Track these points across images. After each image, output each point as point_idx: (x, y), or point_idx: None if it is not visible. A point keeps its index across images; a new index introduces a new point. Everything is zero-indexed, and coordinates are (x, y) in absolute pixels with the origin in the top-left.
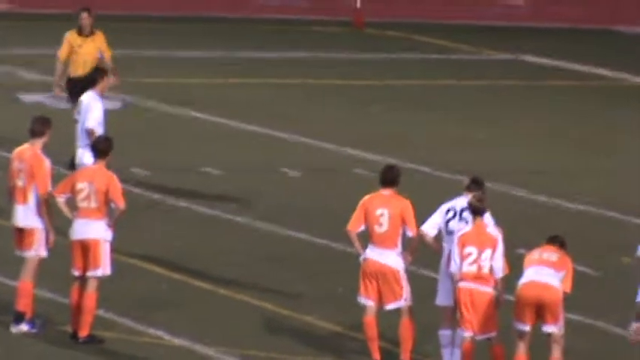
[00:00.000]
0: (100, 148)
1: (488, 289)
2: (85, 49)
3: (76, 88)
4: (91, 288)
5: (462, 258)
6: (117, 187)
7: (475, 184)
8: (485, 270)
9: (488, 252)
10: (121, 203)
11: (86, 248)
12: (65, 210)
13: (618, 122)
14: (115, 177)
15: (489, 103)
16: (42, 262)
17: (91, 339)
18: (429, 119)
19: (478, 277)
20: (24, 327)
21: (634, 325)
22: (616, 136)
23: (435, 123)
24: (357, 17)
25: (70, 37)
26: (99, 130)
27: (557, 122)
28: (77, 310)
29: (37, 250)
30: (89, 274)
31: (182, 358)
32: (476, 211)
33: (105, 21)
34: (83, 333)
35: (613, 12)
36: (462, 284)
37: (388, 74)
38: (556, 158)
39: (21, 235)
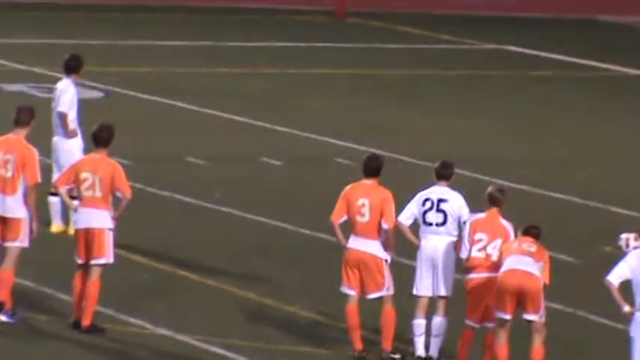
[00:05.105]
0: (103, 136)
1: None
2: None
3: None
4: (95, 276)
5: (472, 244)
6: (122, 176)
7: (444, 168)
8: (494, 258)
9: (498, 242)
10: (127, 192)
11: (90, 237)
12: (68, 200)
13: (602, 112)
14: (119, 166)
15: (473, 94)
16: (24, 252)
17: (94, 328)
18: (412, 109)
19: (490, 266)
20: (2, 317)
21: (626, 308)
22: (599, 125)
23: (418, 113)
24: (339, 7)
25: None
26: (71, 114)
27: (541, 112)
28: (79, 298)
29: (22, 240)
30: (93, 262)
31: (165, 347)
32: (493, 201)
33: (91, 11)
34: (86, 322)
35: (596, 1)
36: (472, 275)
37: (371, 64)
38: (539, 148)
39: (5, 225)
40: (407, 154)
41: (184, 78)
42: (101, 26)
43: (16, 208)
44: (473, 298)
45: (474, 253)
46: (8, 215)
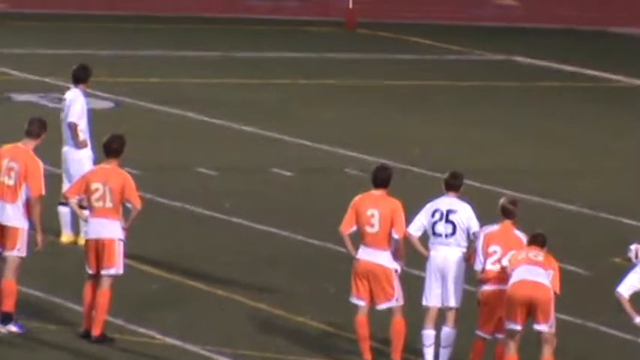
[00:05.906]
0: (113, 147)
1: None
2: None
3: None
4: (105, 286)
5: (486, 256)
6: (132, 186)
7: (454, 179)
8: (508, 270)
9: (512, 253)
10: (137, 203)
11: (101, 247)
12: (78, 211)
13: (610, 123)
14: (129, 177)
15: (481, 104)
16: (23, 262)
17: (104, 338)
18: (421, 120)
19: (504, 278)
20: (12, 327)
21: (637, 320)
22: (609, 137)
23: (427, 123)
24: (349, 17)
25: None
26: (81, 125)
27: (550, 123)
28: (89, 308)
29: (20, 250)
30: (103, 272)
31: (175, 357)
32: (506, 213)
33: (101, 22)
34: (96, 332)
35: (605, 13)
36: (487, 287)
37: (380, 75)
38: (548, 159)
39: (3, 233)
40: (417, 165)
41: (194, 88)
42: (111, 36)
43: (14, 216)
44: (486, 309)
45: (489, 266)
46: (6, 223)
